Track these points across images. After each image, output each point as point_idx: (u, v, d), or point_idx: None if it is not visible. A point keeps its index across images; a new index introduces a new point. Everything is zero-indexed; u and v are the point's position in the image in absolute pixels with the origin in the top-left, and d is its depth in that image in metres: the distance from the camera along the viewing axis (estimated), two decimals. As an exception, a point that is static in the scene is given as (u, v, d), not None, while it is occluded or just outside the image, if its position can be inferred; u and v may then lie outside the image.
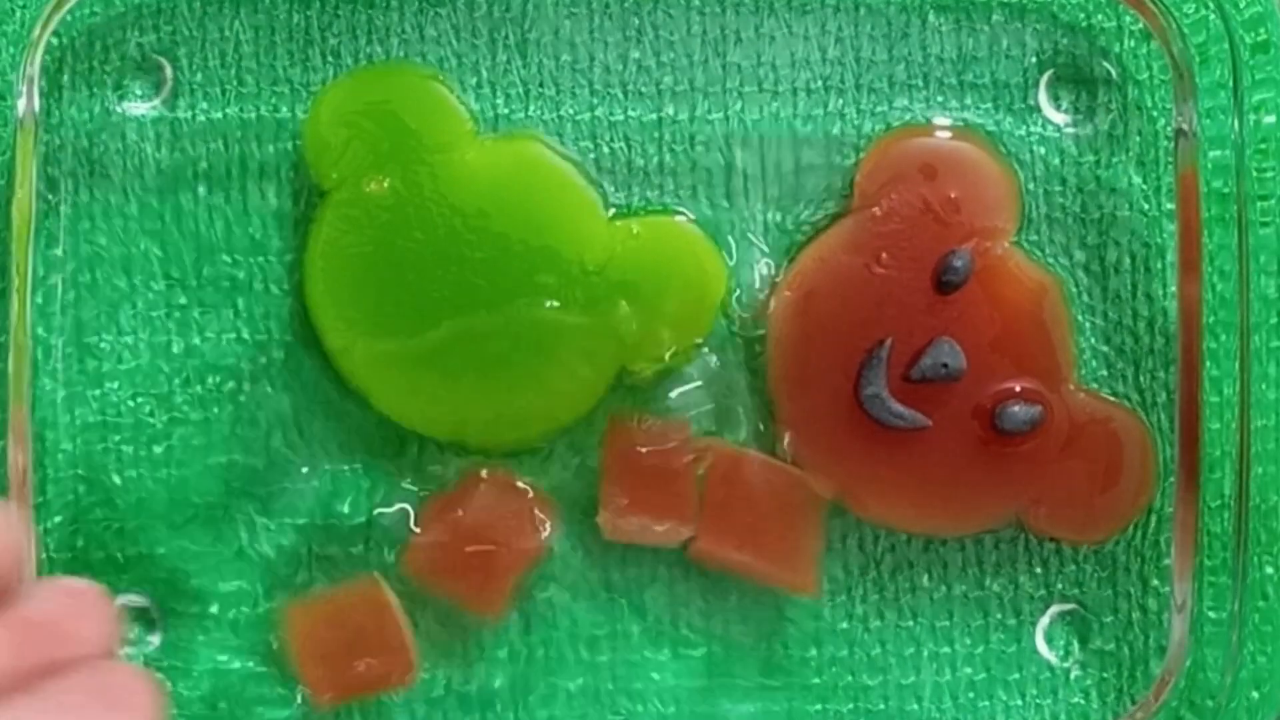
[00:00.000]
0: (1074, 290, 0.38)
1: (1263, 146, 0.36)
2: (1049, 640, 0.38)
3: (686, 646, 0.38)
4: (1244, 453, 0.36)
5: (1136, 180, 0.38)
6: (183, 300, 0.38)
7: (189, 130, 0.37)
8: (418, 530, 0.37)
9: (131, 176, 0.38)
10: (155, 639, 0.38)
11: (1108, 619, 0.38)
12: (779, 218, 0.38)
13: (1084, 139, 0.38)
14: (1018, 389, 0.36)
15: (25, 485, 0.37)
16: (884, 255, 0.36)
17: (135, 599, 0.38)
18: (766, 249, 0.38)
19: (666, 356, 0.37)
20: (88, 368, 0.37)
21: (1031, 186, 0.38)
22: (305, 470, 0.38)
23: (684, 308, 0.36)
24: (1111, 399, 0.37)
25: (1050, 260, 0.38)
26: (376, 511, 0.38)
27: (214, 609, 0.38)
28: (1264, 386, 0.36)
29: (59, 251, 0.37)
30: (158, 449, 0.37)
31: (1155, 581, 0.38)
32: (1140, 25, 0.37)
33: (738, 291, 0.38)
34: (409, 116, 0.36)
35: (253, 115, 0.37)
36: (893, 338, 0.36)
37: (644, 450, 0.37)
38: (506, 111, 0.38)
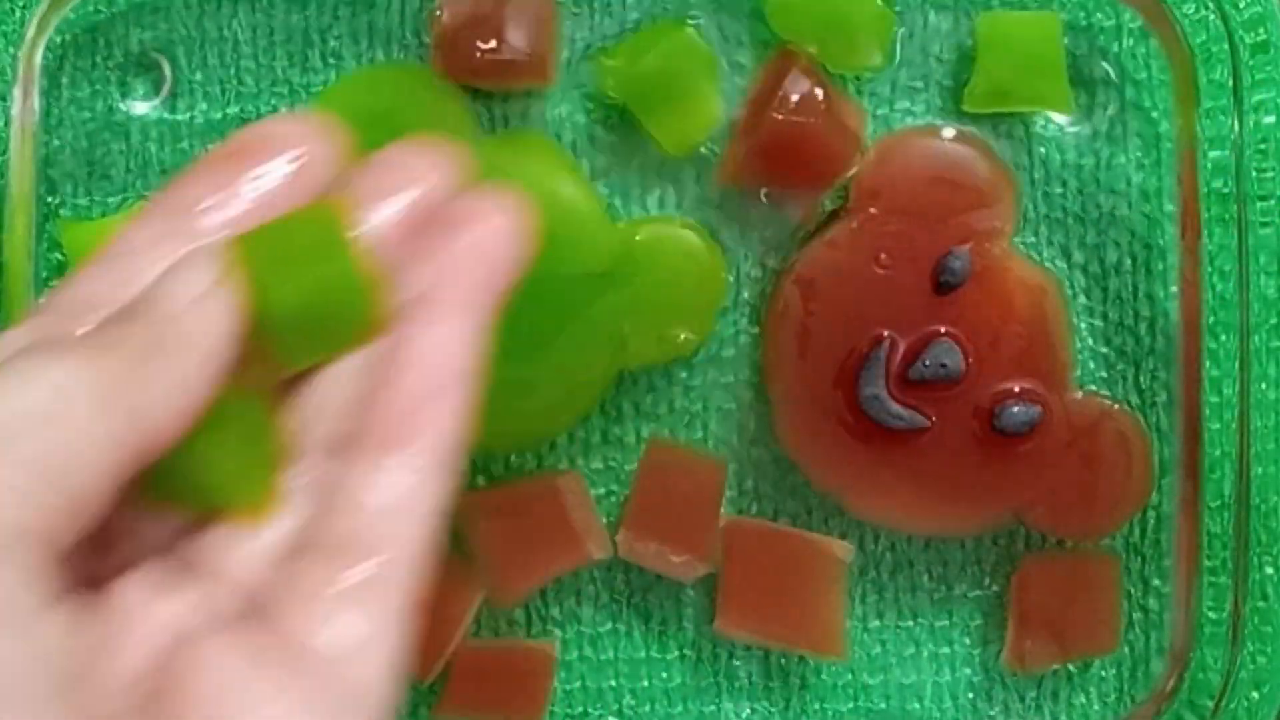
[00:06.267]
0: (1073, 291, 0.38)
1: (1263, 146, 0.36)
2: (1049, 640, 0.38)
3: (689, 646, 0.38)
4: (1244, 453, 0.36)
5: (1136, 180, 0.38)
6: (183, 301, 0.38)
7: (189, 131, 0.38)
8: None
9: (133, 177, 0.38)
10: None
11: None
12: (779, 218, 0.38)
13: (1084, 139, 0.38)
14: (1017, 389, 0.36)
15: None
16: (883, 255, 0.36)
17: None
18: (766, 250, 0.38)
19: (666, 357, 0.37)
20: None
21: (1031, 187, 0.38)
22: (305, 471, 0.38)
23: (684, 309, 0.36)
24: (1110, 399, 0.37)
25: (1050, 260, 0.38)
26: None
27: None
28: (1264, 386, 0.36)
29: (59, 254, 0.37)
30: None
31: (1155, 581, 0.38)
32: (1140, 25, 0.37)
33: (737, 292, 0.38)
34: (409, 117, 0.36)
35: (253, 116, 0.37)
36: (892, 338, 0.36)
37: (677, 482, 0.37)
38: (506, 112, 0.38)
